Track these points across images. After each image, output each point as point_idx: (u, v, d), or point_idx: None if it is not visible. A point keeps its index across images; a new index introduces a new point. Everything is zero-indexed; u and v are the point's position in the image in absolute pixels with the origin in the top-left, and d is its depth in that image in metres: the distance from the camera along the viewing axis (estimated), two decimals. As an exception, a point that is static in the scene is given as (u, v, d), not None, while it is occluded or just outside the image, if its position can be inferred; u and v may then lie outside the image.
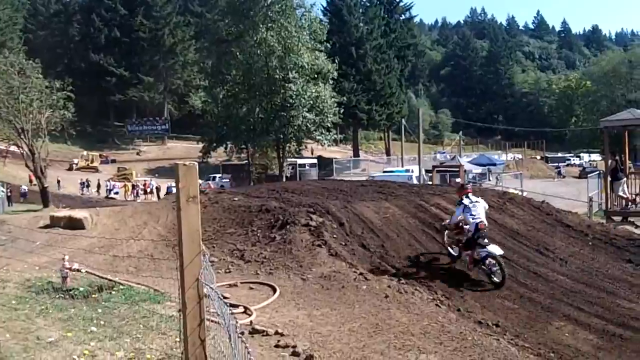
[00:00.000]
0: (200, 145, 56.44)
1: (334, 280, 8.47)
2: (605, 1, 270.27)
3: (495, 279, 9.30)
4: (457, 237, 10.10)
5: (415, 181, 31.21)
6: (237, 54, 46.29)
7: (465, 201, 9.91)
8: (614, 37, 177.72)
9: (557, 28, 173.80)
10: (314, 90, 44.64)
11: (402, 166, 46.95)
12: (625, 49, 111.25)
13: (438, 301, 7.96)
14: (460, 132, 76.57)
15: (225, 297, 7.52)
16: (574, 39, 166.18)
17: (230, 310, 3.03)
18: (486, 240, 9.60)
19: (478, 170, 47.59)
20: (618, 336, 7.36)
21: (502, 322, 7.48)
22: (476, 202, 9.97)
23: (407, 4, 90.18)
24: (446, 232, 10.61)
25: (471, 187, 11.29)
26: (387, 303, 7.47)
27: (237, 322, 2.80)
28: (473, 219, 9.66)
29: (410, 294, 8.03)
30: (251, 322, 6.41)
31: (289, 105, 44.36)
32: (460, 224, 9.94)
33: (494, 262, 9.34)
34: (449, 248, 10.48)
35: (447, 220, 10.51)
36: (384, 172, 42.70)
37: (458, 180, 11.07)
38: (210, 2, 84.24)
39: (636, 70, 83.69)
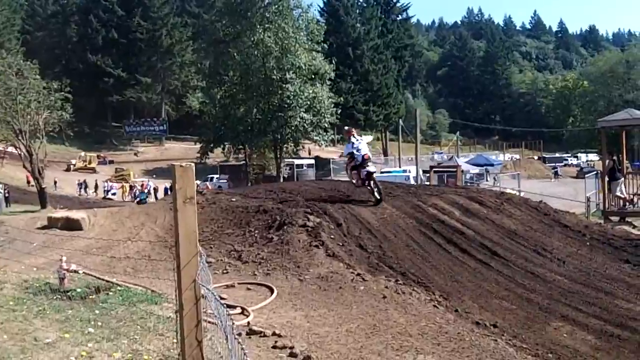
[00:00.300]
0: (198, 145, 56.41)
1: (331, 281, 8.45)
2: (602, 1, 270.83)
3: (376, 196, 12.78)
4: (350, 164, 13.34)
5: (412, 181, 31.25)
6: (235, 54, 46.33)
7: (352, 140, 13.26)
8: (611, 37, 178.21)
9: (554, 28, 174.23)
10: (311, 91, 44.67)
11: (400, 166, 47.00)
12: (623, 49, 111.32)
13: (436, 302, 7.93)
14: (458, 133, 76.86)
15: (222, 298, 7.49)
16: (571, 39, 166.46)
17: (227, 311, 3.03)
18: (369, 164, 12.98)
19: (475, 170, 47.73)
20: (616, 336, 7.34)
21: (500, 323, 7.45)
22: (360, 140, 13.39)
23: (404, 4, 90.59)
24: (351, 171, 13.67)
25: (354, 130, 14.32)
26: (385, 304, 7.45)
27: (233, 323, 2.80)
28: (358, 152, 12.98)
29: (408, 294, 8.01)
30: (248, 323, 6.39)
31: (286, 105, 44.40)
32: (353, 155, 13.12)
33: (374, 184, 12.84)
34: (352, 180, 13.78)
35: (343, 153, 14.17)
36: (382, 172, 42.74)
37: (346, 127, 15.11)
38: (207, 2, 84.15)
39: (633, 70, 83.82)
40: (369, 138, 14.34)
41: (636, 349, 6.99)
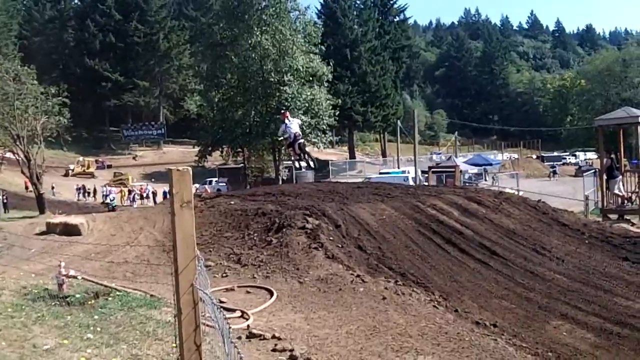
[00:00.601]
0: (196, 149, 56.36)
1: (331, 282, 8.45)
2: (599, 0, 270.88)
3: (311, 164, 16.34)
4: (287, 142, 15.90)
5: (411, 182, 31.27)
6: (232, 57, 46.33)
7: (286, 121, 15.78)
8: (607, 36, 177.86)
9: (551, 28, 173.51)
10: (309, 93, 44.68)
11: (399, 167, 47.01)
12: (619, 48, 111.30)
13: (435, 302, 7.93)
14: (456, 133, 76.90)
15: (222, 302, 7.52)
16: (568, 38, 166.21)
17: (223, 314, 3.03)
18: (300, 139, 15.65)
19: (474, 170, 47.71)
20: (615, 334, 7.35)
21: (499, 322, 7.45)
22: (292, 121, 16.03)
23: (401, 5, 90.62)
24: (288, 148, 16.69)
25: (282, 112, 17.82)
26: (385, 305, 7.44)
27: (229, 326, 2.79)
28: (291, 131, 15.44)
29: (407, 295, 8.01)
30: (248, 326, 6.39)
31: (284, 108, 44.37)
32: (287, 134, 15.63)
33: (308, 155, 15.99)
34: (291, 157, 17.09)
35: (280, 133, 16.36)
36: (380, 173, 42.75)
37: (283, 110, 20.29)
38: (204, 6, 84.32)
39: (630, 68, 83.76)
40: (299, 121, 17.54)
41: (635, 346, 7.00)
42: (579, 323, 7.75)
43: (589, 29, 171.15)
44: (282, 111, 18.97)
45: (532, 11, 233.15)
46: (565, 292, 9.13)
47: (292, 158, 17.00)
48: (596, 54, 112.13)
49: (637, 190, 20.05)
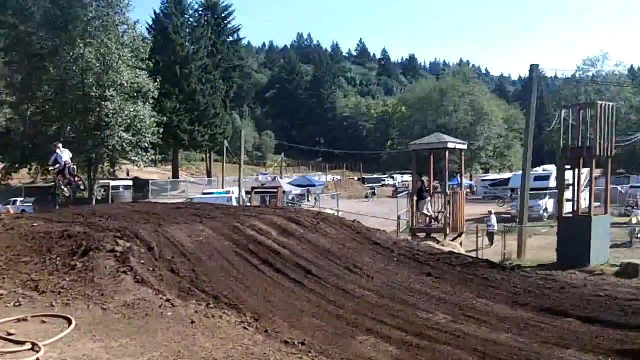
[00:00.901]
0: (1, 166, 51.15)
1: (137, 308, 8.01)
2: (422, 33, 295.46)
3: (81, 187, 19.54)
4: (56, 170, 17.70)
5: (234, 203, 31.28)
6: (51, 69, 43.08)
7: (58, 151, 17.40)
8: (428, 66, 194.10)
9: (378, 56, 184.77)
10: (132, 109, 42.88)
11: (223, 188, 46.91)
12: (438, 78, 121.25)
13: (246, 324, 7.85)
14: (282, 154, 78.52)
15: (10, 334, 6.78)
16: (393, 67, 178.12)
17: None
18: (69, 166, 17.66)
19: (297, 191, 49.03)
20: (415, 346, 7.80)
21: (308, 340, 7.55)
22: (64, 151, 17.87)
23: (235, 26, 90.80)
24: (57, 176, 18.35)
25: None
26: (193, 329, 7.23)
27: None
28: (62, 160, 17.22)
29: (218, 318, 7.85)
30: (38, 359, 5.82)
31: (104, 124, 42.08)
32: (57, 164, 17.44)
33: (79, 179, 18.63)
34: (61, 185, 18.73)
35: (51, 162, 17.90)
36: (204, 194, 42.40)
37: (54, 143, 20.86)
38: (24, 13, 77.41)
39: (446, 97, 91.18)
40: (70, 153, 18.62)
41: (432, 356, 7.49)
42: (383, 337, 8.13)
43: (412, 59, 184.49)
44: (54, 144, 20.27)
45: (361, 39, 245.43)
46: (373, 308, 9.57)
47: (62, 184, 18.54)
48: (417, 83, 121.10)
49: (443, 210, 21.97)
